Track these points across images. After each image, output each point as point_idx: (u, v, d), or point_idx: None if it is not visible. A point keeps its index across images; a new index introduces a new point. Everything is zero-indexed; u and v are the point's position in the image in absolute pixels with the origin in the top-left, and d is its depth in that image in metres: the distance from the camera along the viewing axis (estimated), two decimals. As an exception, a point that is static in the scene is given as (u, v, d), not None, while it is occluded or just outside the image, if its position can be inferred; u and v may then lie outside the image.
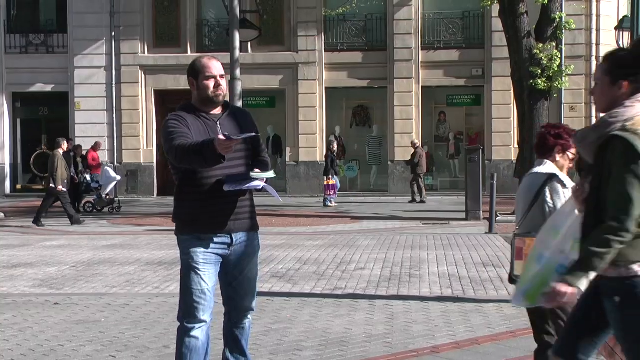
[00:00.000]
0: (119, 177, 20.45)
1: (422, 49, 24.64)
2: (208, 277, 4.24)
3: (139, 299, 7.83)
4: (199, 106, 4.31)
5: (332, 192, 20.60)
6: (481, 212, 16.27)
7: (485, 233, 13.89)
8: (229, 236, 4.28)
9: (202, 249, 4.23)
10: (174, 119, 4.25)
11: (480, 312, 7.03)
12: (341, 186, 22.37)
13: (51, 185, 16.14)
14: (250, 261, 4.42)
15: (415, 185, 21.50)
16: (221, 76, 4.29)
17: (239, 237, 4.32)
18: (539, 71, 16.58)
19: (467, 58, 24.52)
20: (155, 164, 25.34)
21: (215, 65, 4.29)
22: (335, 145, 21.65)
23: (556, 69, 16.74)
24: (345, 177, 25.26)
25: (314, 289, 8.48)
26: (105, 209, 19.44)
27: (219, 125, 4.24)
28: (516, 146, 21.26)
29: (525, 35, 16.77)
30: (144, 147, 25.35)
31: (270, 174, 4.25)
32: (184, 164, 4.12)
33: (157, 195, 25.23)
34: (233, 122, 4.32)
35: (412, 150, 21.77)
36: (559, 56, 17.16)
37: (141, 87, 25.43)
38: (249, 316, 4.52)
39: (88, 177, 19.79)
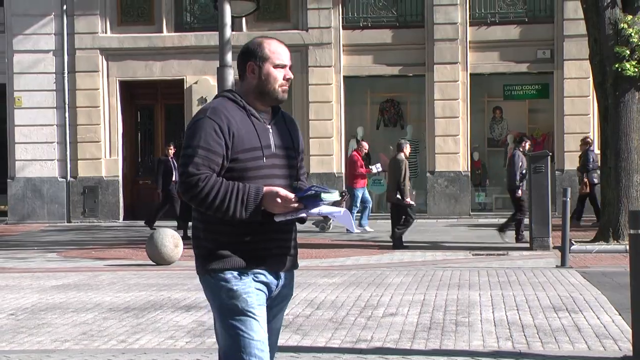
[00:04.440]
0: None
1: (470, 25, 24.63)
2: (265, 324, 4.24)
3: (100, 357, 7.82)
4: (251, 100, 4.30)
5: None
6: (550, 238, 16.20)
7: (557, 267, 13.85)
8: (276, 274, 4.31)
9: (254, 286, 4.21)
10: (214, 127, 4.15)
11: (550, 371, 6.99)
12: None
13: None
14: (285, 305, 4.49)
15: None
16: (290, 68, 4.37)
17: (285, 275, 4.37)
18: (628, 52, 16.53)
19: (531, 36, 24.49)
20: (121, 179, 25.40)
21: (287, 53, 4.35)
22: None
23: (650, 49, 16.69)
24: (370, 194, 25.25)
25: (329, 341, 8.45)
26: None
27: (270, 131, 4.30)
28: (597, 151, 21.17)
29: (608, 4, 16.72)
30: (106, 157, 25.41)
31: (336, 194, 4.18)
32: (201, 206, 4.12)
33: (124, 219, 25.27)
34: (284, 131, 4.39)
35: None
36: (654, 32, 17.09)
37: (102, 77, 25.51)
38: None
39: None
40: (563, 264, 13.94)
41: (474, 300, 10.73)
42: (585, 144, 21.79)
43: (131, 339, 8.75)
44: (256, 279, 4.21)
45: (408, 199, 17.20)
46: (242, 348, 4.13)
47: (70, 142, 25.31)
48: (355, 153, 21.43)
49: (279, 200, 4.06)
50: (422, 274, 13.22)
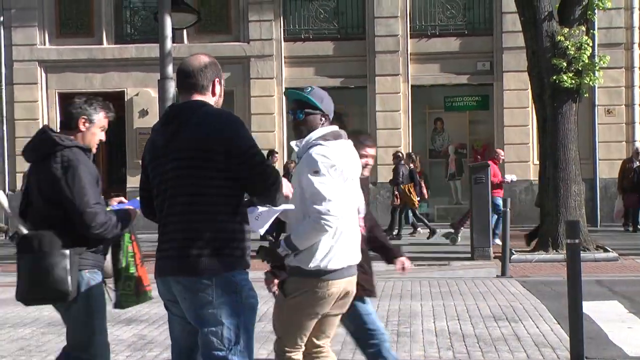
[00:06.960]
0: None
1: (411, 37, 24.80)
2: None
3: (38, 372, 7.74)
4: None
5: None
6: (491, 248, 16.34)
7: (497, 276, 13.98)
8: None
9: None
10: None
11: (490, 380, 7.05)
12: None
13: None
14: None
15: None
16: None
17: None
18: (565, 64, 16.75)
19: (471, 48, 24.73)
20: (60, 192, 25.13)
21: None
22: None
23: (587, 61, 16.91)
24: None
25: (271, 354, 8.43)
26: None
27: None
28: (536, 162, 21.41)
29: (545, 17, 16.94)
30: (45, 169, 25.14)
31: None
32: (269, 193, 4.55)
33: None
34: None
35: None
36: (590, 44, 17.33)
37: (41, 89, 25.28)
38: None
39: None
40: (503, 273, 14.07)
41: (415, 310, 10.78)
42: (396, 157, 21.64)
43: (70, 353, 8.66)
44: None
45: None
46: (252, 342, 4.64)
47: (8, 155, 25.04)
48: (491, 162, 20.06)
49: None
50: (364, 285, 13.25)
